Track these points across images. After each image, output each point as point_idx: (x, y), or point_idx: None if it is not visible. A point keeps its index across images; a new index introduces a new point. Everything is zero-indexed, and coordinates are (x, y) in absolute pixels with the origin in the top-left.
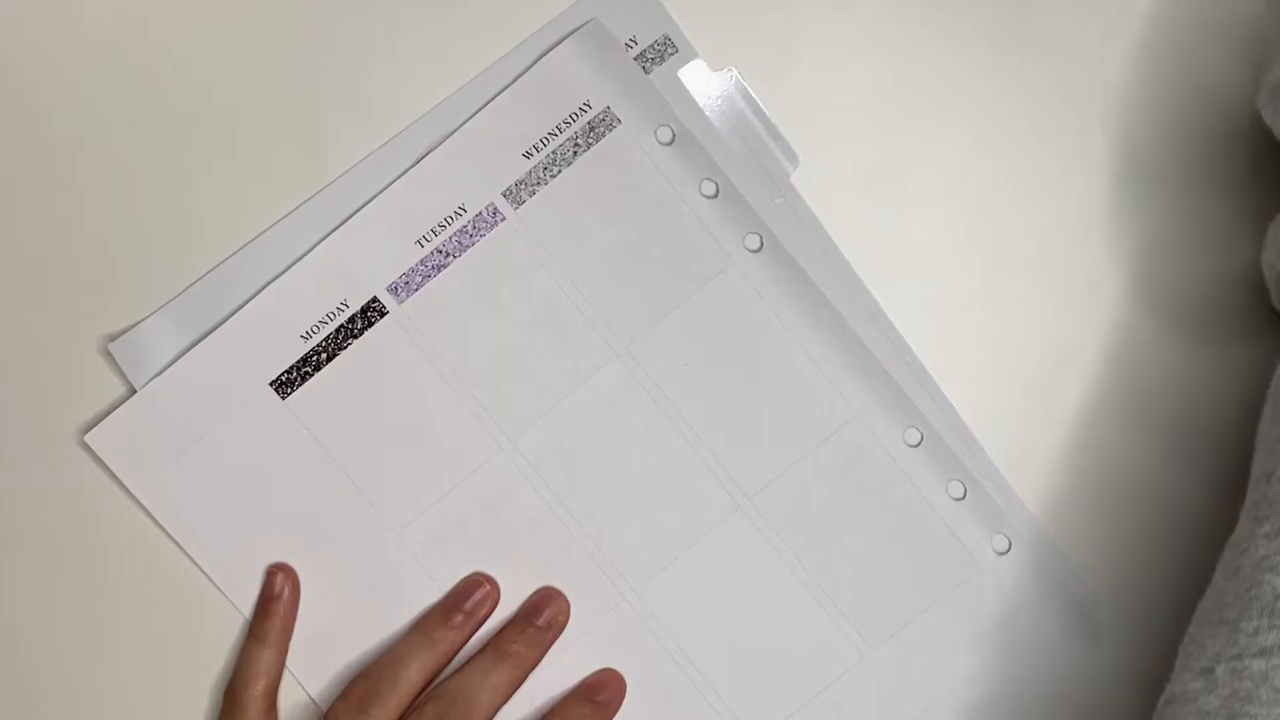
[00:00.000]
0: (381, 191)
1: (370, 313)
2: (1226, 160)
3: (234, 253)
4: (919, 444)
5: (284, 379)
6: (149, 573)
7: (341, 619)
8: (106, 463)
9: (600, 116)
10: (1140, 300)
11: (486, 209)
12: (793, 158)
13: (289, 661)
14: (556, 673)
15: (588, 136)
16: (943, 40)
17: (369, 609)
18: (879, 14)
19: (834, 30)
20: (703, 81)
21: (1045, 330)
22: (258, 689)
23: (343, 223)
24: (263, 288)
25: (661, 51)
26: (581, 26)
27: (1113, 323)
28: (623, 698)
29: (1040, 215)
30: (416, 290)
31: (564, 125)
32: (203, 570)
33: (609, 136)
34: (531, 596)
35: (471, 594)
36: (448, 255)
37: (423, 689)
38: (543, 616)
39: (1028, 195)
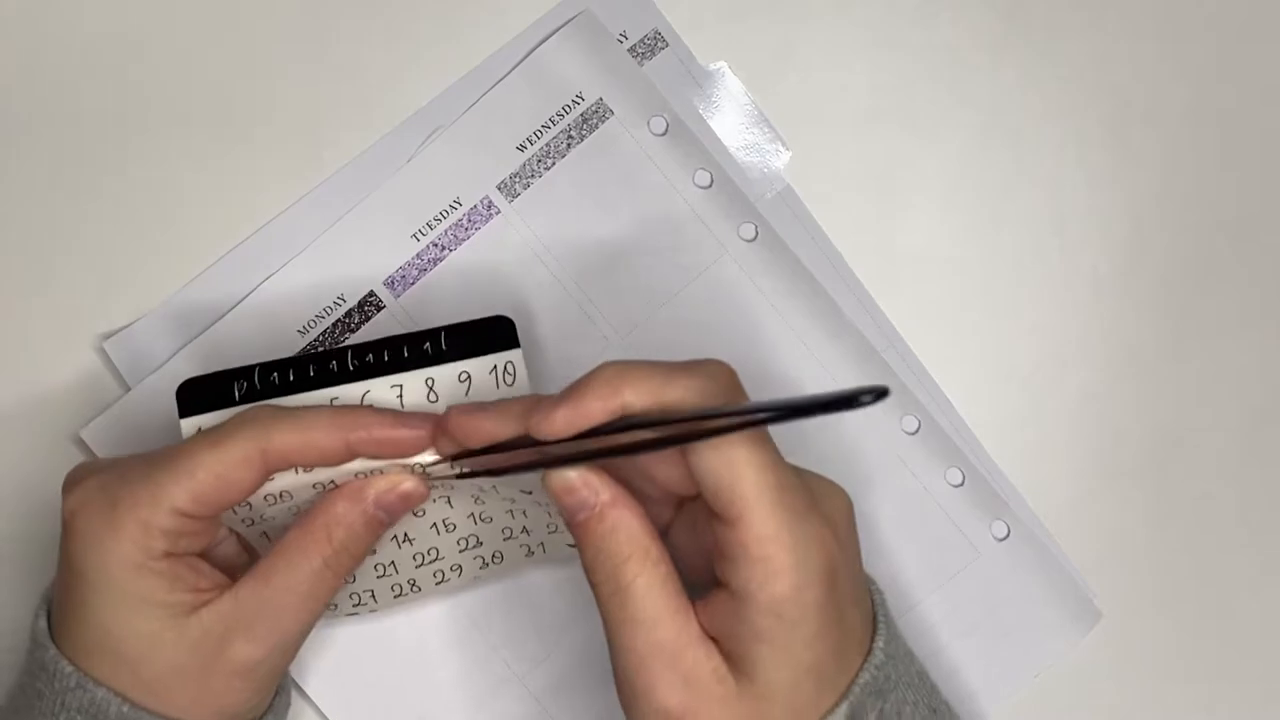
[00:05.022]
0: (377, 187)
1: (367, 306)
2: (1226, 159)
3: (230, 249)
4: (916, 431)
5: None
6: None
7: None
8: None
9: (593, 108)
10: (1138, 298)
11: (481, 202)
12: (783, 151)
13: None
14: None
15: (581, 128)
16: (942, 39)
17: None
18: (875, 12)
19: (830, 27)
20: (693, 76)
21: (1043, 328)
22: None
23: (339, 218)
24: (260, 284)
25: (652, 46)
26: (573, 19)
27: (1111, 321)
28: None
29: (1038, 214)
30: (413, 284)
31: (557, 117)
32: None
33: (602, 128)
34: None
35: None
36: (444, 249)
37: None
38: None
39: (1025, 194)
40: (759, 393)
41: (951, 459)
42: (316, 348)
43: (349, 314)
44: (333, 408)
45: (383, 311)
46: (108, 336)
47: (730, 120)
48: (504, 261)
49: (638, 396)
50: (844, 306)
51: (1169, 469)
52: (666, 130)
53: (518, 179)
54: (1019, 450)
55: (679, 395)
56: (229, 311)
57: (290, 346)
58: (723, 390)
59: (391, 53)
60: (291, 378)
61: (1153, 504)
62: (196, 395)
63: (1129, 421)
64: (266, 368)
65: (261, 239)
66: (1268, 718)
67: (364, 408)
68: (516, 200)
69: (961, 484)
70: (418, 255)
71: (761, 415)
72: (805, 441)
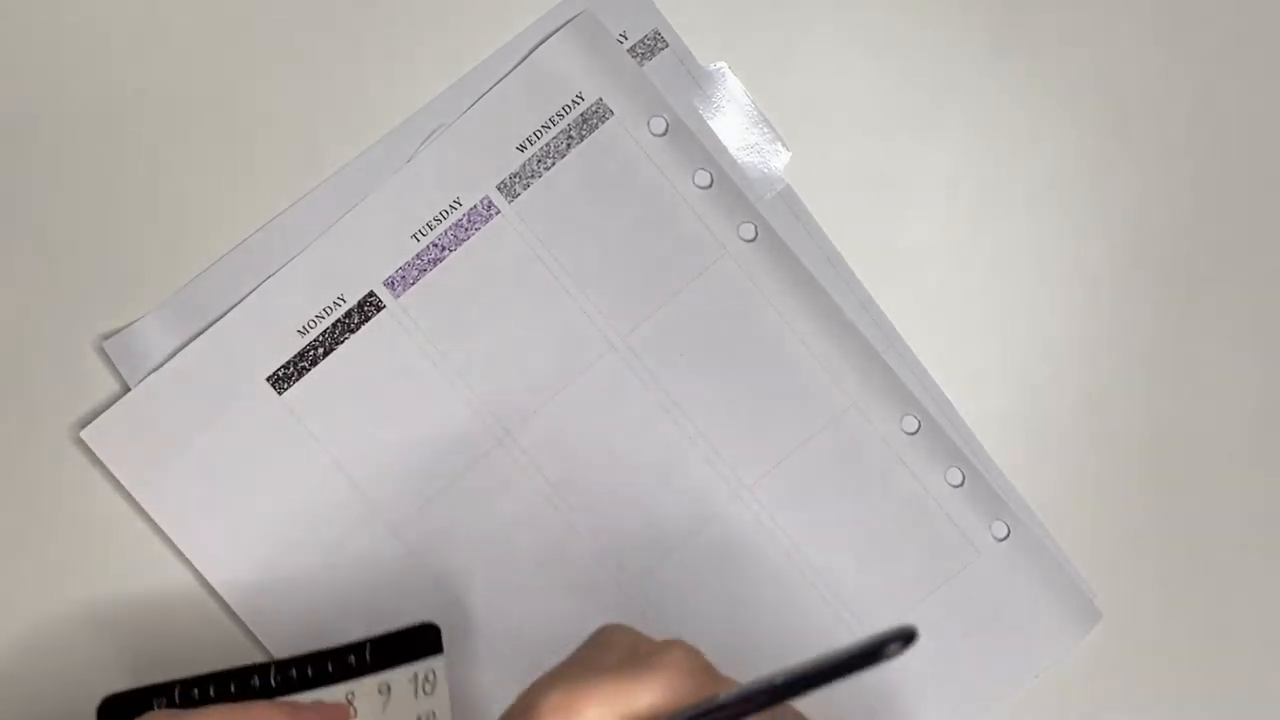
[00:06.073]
0: (377, 187)
1: (367, 307)
2: (1226, 159)
3: (230, 249)
4: (916, 431)
5: (280, 374)
6: (144, 570)
7: (340, 620)
8: (102, 459)
9: (593, 108)
10: (1138, 298)
11: (481, 202)
12: (783, 151)
13: None
14: None
15: (581, 128)
16: (942, 39)
17: (367, 610)
18: (876, 12)
19: (830, 27)
20: (693, 76)
21: (1043, 328)
22: None
23: (339, 218)
24: (259, 284)
25: (652, 46)
26: (573, 19)
27: (1111, 320)
28: None
29: (1038, 214)
30: (413, 284)
31: (557, 118)
32: (196, 569)
33: (602, 128)
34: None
35: None
36: (444, 249)
37: None
38: None
39: (1025, 194)
40: (757, 388)
41: (951, 459)
42: (317, 348)
43: (349, 314)
44: (227, 708)
45: (383, 311)
46: (108, 336)
47: (730, 120)
48: (504, 262)
49: (601, 715)
50: (844, 306)
51: (1169, 469)
52: (666, 130)
53: (518, 179)
54: (1019, 450)
55: (647, 702)
56: (229, 311)
57: (290, 347)
58: (692, 679)
59: (391, 53)
60: (212, 694)
61: (1153, 504)
62: (117, 715)
63: (1129, 422)
64: (187, 684)
65: (261, 239)
66: (1267, 717)
67: (259, 704)
68: (516, 200)
69: (961, 484)
70: (418, 255)
71: (757, 699)
72: (805, 440)
